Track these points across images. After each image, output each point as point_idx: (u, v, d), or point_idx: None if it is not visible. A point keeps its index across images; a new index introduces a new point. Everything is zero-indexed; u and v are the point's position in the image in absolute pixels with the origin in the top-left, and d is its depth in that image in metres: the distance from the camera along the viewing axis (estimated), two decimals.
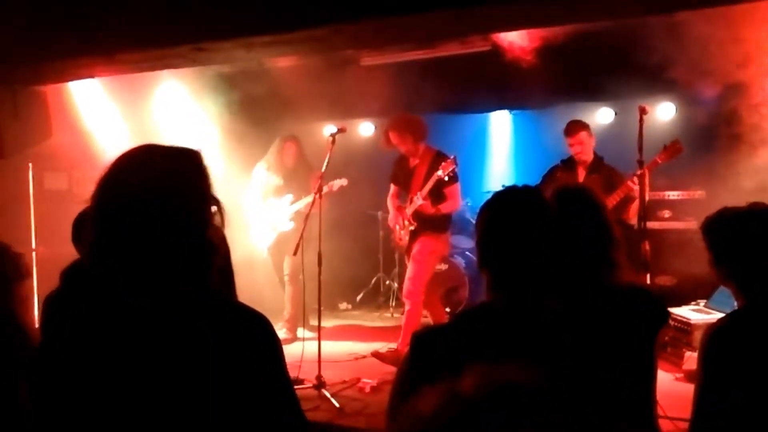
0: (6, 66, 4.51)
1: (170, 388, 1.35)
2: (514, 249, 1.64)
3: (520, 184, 1.76)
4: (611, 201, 4.88)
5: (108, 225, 1.42)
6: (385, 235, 7.55)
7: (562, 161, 5.34)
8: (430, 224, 5.34)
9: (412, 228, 5.36)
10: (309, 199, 5.74)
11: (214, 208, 1.51)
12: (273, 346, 1.46)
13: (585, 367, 1.55)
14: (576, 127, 5.24)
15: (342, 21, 3.47)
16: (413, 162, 5.46)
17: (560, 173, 5.24)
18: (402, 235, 5.48)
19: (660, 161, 4.77)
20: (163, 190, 1.42)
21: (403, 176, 5.54)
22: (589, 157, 5.20)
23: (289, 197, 6.21)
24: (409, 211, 5.38)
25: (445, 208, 5.30)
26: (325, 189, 5.65)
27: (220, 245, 1.58)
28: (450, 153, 5.29)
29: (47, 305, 2.43)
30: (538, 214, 1.67)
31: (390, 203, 5.65)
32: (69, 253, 2.88)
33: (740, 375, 1.93)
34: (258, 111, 6.58)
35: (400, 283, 7.56)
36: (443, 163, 5.15)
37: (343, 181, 5.97)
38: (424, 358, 1.60)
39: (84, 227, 2.83)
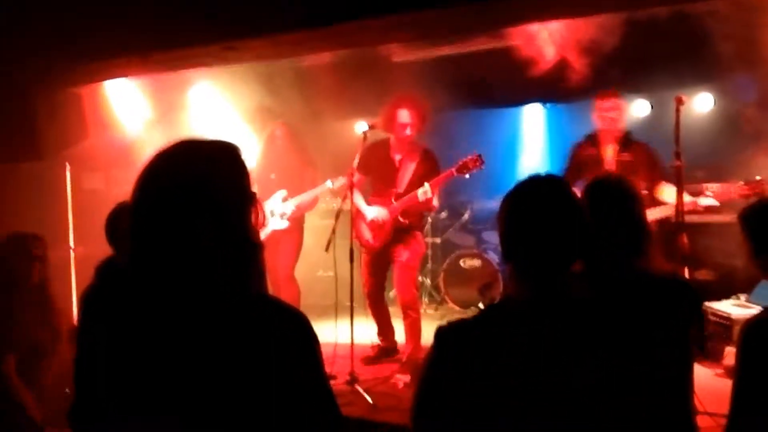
0: (42, 68, 4.61)
1: (208, 384, 1.35)
2: (538, 239, 1.59)
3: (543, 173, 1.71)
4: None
5: (147, 222, 1.41)
6: None
7: (587, 137, 4.97)
8: (416, 224, 5.17)
9: (404, 221, 5.02)
10: (303, 197, 5.56)
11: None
12: (311, 343, 1.45)
13: (616, 359, 1.51)
14: (612, 90, 4.88)
15: (370, 16, 3.46)
16: (397, 154, 5.14)
17: (587, 150, 4.90)
18: (379, 235, 5.10)
19: (740, 196, 4.41)
20: (203, 185, 1.41)
21: (382, 168, 5.11)
22: (619, 130, 4.84)
23: (282, 193, 5.72)
24: (399, 207, 5.00)
25: (434, 199, 5.05)
26: (317, 193, 5.56)
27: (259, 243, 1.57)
28: (474, 151, 4.95)
29: (84, 301, 2.48)
30: (562, 203, 1.63)
31: (357, 195, 5.12)
32: (106, 252, 2.93)
33: None
34: (291, 109, 6.60)
35: (433, 280, 7.56)
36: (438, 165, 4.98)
37: (341, 180, 5.43)
38: (449, 353, 1.57)
39: (118, 225, 2.89)
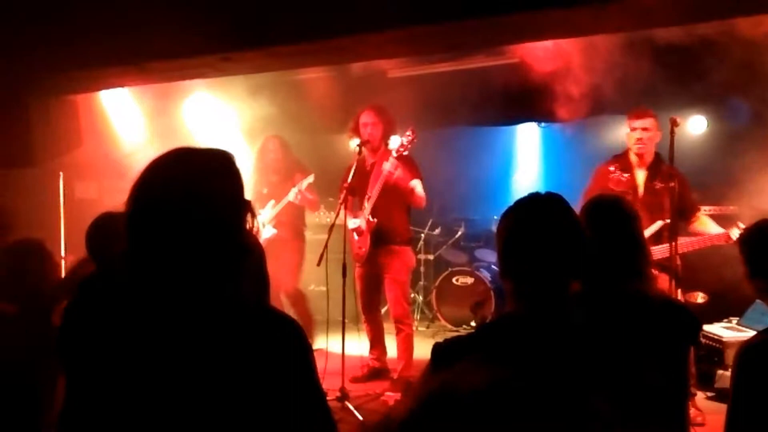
0: (38, 75, 4.59)
1: (200, 397, 1.33)
2: (537, 257, 1.58)
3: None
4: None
5: (142, 232, 1.40)
6: None
7: (615, 158, 4.62)
8: (399, 237, 5.12)
9: (374, 221, 5.03)
10: (288, 199, 5.67)
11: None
12: (304, 353, 1.43)
13: (610, 381, 1.50)
14: (646, 110, 4.52)
15: (367, 30, 3.47)
16: (369, 162, 5.20)
17: (616, 174, 4.52)
18: (362, 241, 5.13)
19: None
20: (197, 195, 1.40)
21: (360, 181, 5.12)
22: (650, 154, 4.51)
23: (272, 203, 5.84)
24: (369, 207, 5.05)
25: (417, 187, 5.00)
26: (296, 192, 5.60)
27: (254, 250, 1.56)
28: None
29: (67, 316, 2.41)
30: (562, 222, 1.62)
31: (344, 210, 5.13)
32: None
33: None
34: (287, 122, 6.60)
35: (425, 296, 7.54)
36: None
37: (310, 179, 5.67)
38: (446, 372, 1.55)
39: (99, 236, 2.85)
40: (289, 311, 6.04)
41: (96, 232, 2.89)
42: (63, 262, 5.46)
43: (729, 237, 4.30)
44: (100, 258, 2.86)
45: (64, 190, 5.67)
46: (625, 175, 4.52)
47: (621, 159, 4.60)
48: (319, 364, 4.74)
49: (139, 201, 1.42)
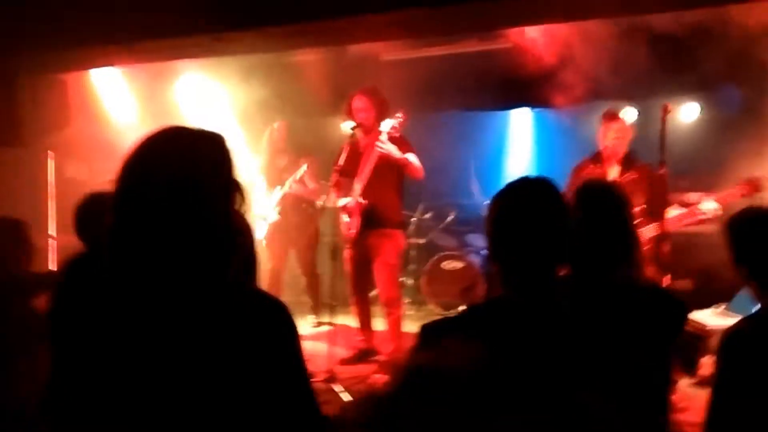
0: (26, 53, 4.54)
1: (184, 377, 1.34)
2: (526, 240, 1.58)
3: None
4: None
5: (131, 210, 1.38)
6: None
7: (590, 157, 4.91)
8: (391, 220, 5.11)
9: (364, 202, 5.02)
10: (284, 190, 5.96)
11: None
12: (291, 335, 1.44)
13: (594, 367, 1.51)
14: (616, 115, 4.79)
15: (364, 12, 3.44)
16: (362, 144, 5.16)
17: (590, 169, 4.79)
18: (352, 223, 5.11)
19: (740, 196, 4.29)
20: (188, 174, 1.39)
21: (352, 164, 5.09)
22: (622, 151, 4.75)
23: (279, 188, 6.08)
24: (359, 187, 5.04)
25: (411, 158, 5.00)
26: (290, 182, 5.84)
27: (244, 232, 1.55)
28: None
29: (56, 296, 2.41)
30: (552, 206, 1.62)
31: (335, 193, 5.20)
32: None
33: (758, 379, 1.88)
34: (278, 104, 6.57)
35: (415, 280, 7.55)
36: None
37: (303, 168, 5.93)
38: (432, 349, 1.56)
39: (88, 216, 2.83)
40: (303, 292, 6.53)
41: (84, 212, 2.87)
42: (53, 242, 5.44)
43: (696, 211, 4.42)
44: (88, 238, 2.85)
45: (53, 170, 5.62)
46: (599, 170, 4.79)
47: (595, 156, 4.90)
48: (308, 346, 4.75)
49: (126, 179, 1.40)
